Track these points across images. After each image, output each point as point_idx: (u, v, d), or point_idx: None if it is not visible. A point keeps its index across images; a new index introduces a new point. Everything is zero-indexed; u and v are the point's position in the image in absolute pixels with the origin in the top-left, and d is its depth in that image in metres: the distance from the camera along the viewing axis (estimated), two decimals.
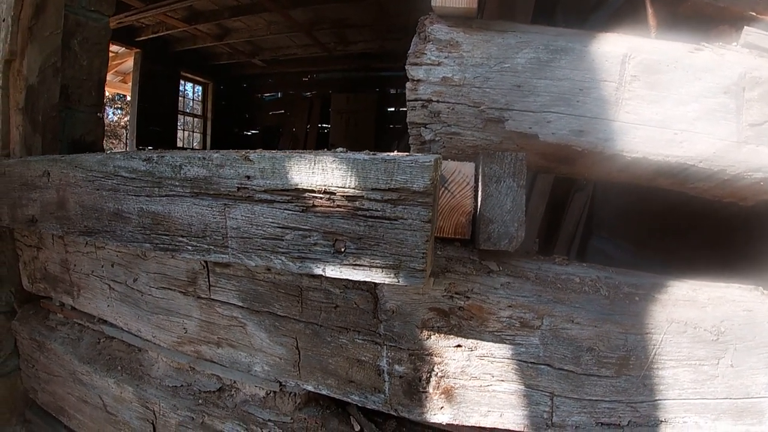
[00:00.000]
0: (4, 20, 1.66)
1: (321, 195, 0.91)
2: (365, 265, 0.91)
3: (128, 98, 9.01)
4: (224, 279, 1.20)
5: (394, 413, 1.13)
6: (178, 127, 9.06)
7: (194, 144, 9.79)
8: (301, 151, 0.94)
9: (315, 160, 0.90)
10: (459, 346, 1.04)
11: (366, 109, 8.49)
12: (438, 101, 1.09)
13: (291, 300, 1.13)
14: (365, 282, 1.05)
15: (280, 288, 1.13)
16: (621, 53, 1.02)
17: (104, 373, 1.48)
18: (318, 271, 0.94)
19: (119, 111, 10.95)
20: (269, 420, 1.26)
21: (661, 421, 1.05)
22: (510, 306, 1.01)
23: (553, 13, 2.42)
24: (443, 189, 1.07)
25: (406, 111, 1.13)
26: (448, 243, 1.11)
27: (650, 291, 1.09)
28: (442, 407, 1.09)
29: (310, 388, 1.18)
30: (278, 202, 0.95)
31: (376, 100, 8.51)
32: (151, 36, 7.15)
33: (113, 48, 6.87)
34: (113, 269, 1.42)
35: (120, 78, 9.09)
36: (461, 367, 1.05)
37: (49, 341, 1.66)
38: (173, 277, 1.29)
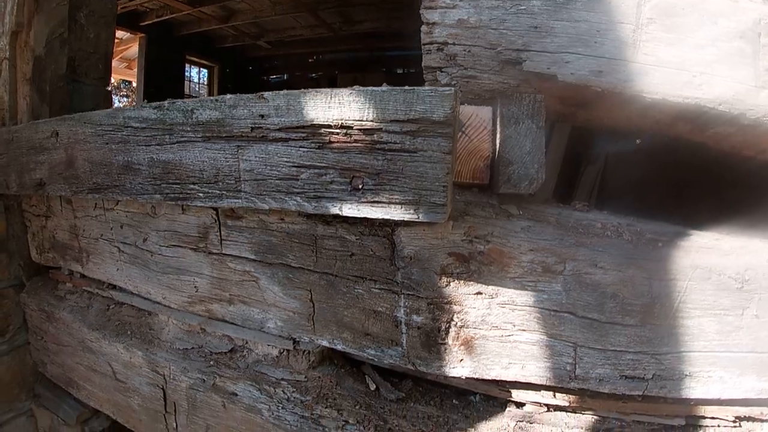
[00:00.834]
0: None
1: (338, 130, 0.88)
2: (384, 202, 0.88)
3: (134, 85, 8.96)
4: (236, 232, 1.18)
5: (411, 367, 1.10)
6: None
7: None
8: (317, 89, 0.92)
9: (332, 94, 0.87)
10: (479, 293, 1.01)
11: None
12: (454, 44, 1.07)
13: (305, 250, 1.10)
14: (382, 227, 1.03)
15: (294, 238, 1.11)
16: None
17: (113, 339, 1.46)
18: (335, 210, 0.92)
19: (125, 99, 10.81)
20: (282, 379, 1.23)
21: (686, 375, 1.02)
22: (531, 250, 0.98)
23: None
24: (461, 133, 1.04)
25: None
26: (466, 189, 1.08)
27: (673, 238, 1.06)
28: (461, 359, 1.06)
29: (324, 342, 1.15)
30: (293, 140, 0.92)
31: (383, 80, 8.53)
32: (156, 20, 7.06)
33: (118, 34, 6.81)
34: (122, 230, 1.40)
35: (125, 64, 9.03)
36: (481, 315, 1.02)
37: (57, 311, 1.64)
38: (183, 234, 1.27)
